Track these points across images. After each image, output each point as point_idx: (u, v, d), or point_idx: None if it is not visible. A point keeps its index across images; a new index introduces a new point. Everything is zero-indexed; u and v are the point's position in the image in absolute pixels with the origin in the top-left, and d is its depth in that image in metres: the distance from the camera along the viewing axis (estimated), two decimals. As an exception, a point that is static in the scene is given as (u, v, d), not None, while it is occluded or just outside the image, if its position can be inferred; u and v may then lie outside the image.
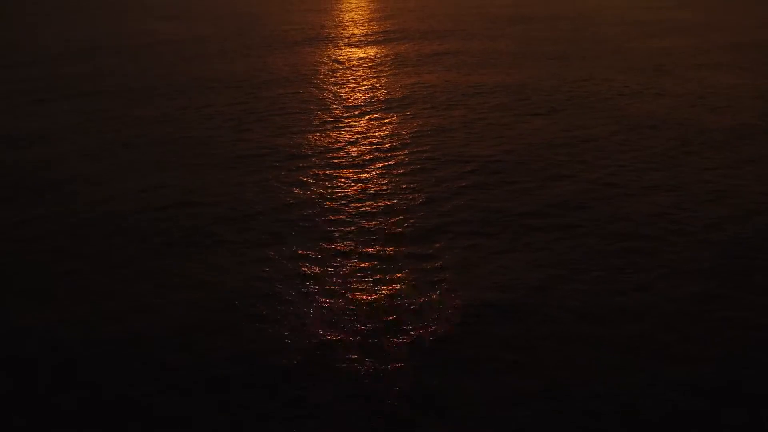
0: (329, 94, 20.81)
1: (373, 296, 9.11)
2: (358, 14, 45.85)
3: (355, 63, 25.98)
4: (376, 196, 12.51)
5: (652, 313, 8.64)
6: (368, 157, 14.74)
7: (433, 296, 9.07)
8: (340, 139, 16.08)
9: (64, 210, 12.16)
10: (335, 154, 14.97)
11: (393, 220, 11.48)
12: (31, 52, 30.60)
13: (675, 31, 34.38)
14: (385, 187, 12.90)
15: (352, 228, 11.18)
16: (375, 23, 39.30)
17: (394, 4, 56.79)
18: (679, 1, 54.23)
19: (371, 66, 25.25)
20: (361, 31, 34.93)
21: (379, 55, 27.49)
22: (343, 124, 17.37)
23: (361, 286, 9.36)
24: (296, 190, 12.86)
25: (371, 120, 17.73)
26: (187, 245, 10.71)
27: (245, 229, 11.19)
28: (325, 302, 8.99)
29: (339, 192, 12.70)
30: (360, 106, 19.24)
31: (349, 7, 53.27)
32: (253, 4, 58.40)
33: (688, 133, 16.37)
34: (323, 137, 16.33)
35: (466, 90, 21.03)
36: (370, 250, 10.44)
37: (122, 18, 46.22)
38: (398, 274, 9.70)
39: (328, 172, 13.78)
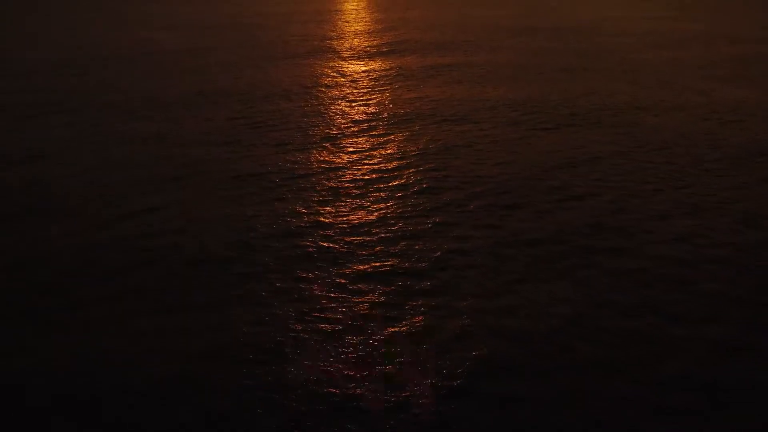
0: (331, 109, 20.30)
1: (386, 332, 8.57)
2: (360, 25, 45.38)
3: (357, 76, 25.50)
4: (382, 220, 11.94)
5: (693, 351, 8.08)
6: (372, 177, 14.18)
7: (448, 335, 8.52)
8: (342, 158, 15.53)
9: (51, 234, 11.58)
10: (338, 174, 14.40)
11: (401, 246, 10.91)
12: (24, 62, 30.12)
13: (679, 42, 33.94)
14: (391, 211, 12.31)
15: (359, 256, 10.61)
16: (377, 35, 38.84)
17: (395, 15, 56.33)
18: (680, 11, 53.92)
19: (374, 79, 24.78)
20: (364, 43, 34.46)
21: (382, 68, 27.01)
22: (346, 141, 16.83)
23: (371, 322, 8.81)
24: (298, 214, 12.28)
25: (375, 136, 17.19)
26: (189, 273, 10.15)
27: (248, 257, 10.62)
28: (333, 338, 8.44)
29: (343, 217, 12.12)
30: (363, 121, 18.73)
31: (349, 18, 52.82)
32: (254, 14, 57.93)
33: (701, 150, 15.88)
34: (325, 155, 15.78)
35: (472, 104, 20.54)
36: (379, 281, 9.89)
37: (121, 28, 45.74)
38: (410, 309, 9.15)
39: (330, 194, 13.18)
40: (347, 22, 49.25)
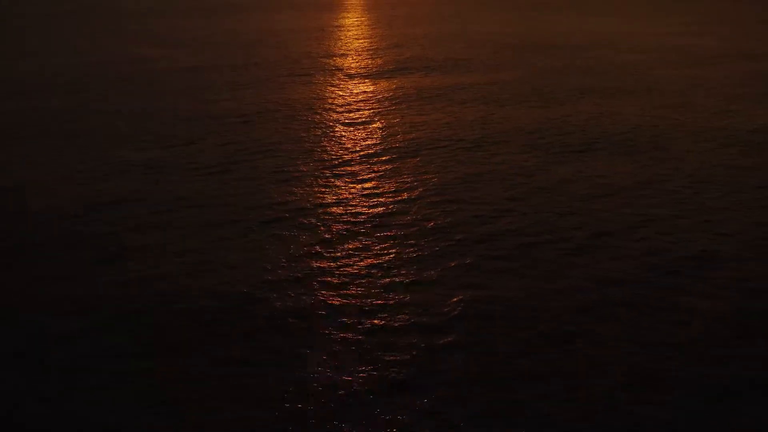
0: (333, 134, 19.05)
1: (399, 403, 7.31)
2: (363, 42, 44.19)
3: (361, 97, 24.26)
4: (390, 265, 10.64)
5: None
6: (378, 211, 12.89)
7: (475, 405, 7.27)
8: (344, 189, 14.25)
9: (40, 283, 10.32)
10: (339, 209, 13.08)
11: (413, 297, 9.60)
12: (8, 81, 28.98)
13: (695, 59, 32.72)
14: (399, 254, 10.98)
15: (364, 310, 9.31)
16: (381, 52, 37.63)
17: (398, 31, 55.22)
18: (690, 26, 52.86)
19: (379, 100, 23.53)
20: (367, 62, 33.18)
21: (387, 89, 25.75)
22: (349, 171, 15.56)
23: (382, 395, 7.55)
24: (293, 259, 10.95)
25: (380, 165, 15.90)
26: (182, 337, 8.88)
27: (234, 314, 9.33)
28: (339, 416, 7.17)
29: (345, 260, 10.80)
30: (367, 147, 17.45)
31: (351, 34, 51.66)
32: (254, 31, 56.84)
33: (740, 182, 14.64)
34: (325, 186, 14.47)
35: (484, 129, 19.26)
36: (391, 337, 8.61)
37: (119, 44, 44.65)
38: (428, 378, 7.88)
39: (330, 233, 11.84)
40: (349, 38, 48.13)
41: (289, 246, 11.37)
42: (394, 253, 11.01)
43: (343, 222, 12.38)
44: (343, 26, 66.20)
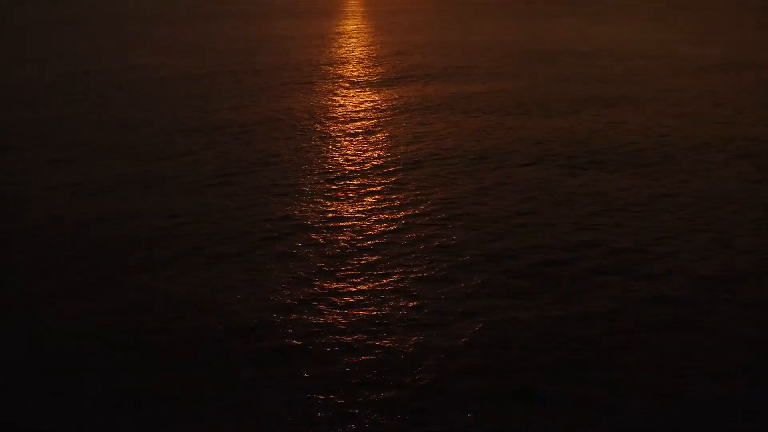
0: (334, 146, 18.59)
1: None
2: (364, 50, 43.79)
3: (363, 107, 23.82)
4: (390, 296, 10.12)
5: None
6: (381, 229, 12.40)
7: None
8: (342, 208, 13.72)
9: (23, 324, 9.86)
10: (336, 230, 12.51)
11: (419, 339, 9.05)
12: (5, 89, 28.53)
13: (700, 68, 32.33)
14: (409, 283, 10.39)
15: (375, 348, 8.80)
16: (383, 60, 37.22)
17: (399, 38, 54.80)
18: (684, 34, 52.56)
19: (381, 110, 23.10)
20: (369, 70, 32.77)
21: (390, 98, 25.33)
22: (348, 186, 15.07)
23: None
24: (287, 287, 10.40)
25: (382, 179, 15.43)
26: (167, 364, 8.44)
27: (245, 341, 8.87)
28: None
29: (352, 289, 10.30)
30: (369, 161, 16.98)
31: (351, 41, 51.27)
32: (252, 38, 56.43)
33: (754, 196, 14.22)
34: (323, 204, 13.92)
35: (491, 141, 18.77)
36: (394, 404, 8.13)
37: (115, 50, 44.22)
38: None
39: (326, 259, 11.15)
40: (350, 46, 47.74)
41: (292, 265, 10.92)
42: (401, 273, 10.56)
43: (347, 240, 11.91)
44: (343, 33, 65.76)
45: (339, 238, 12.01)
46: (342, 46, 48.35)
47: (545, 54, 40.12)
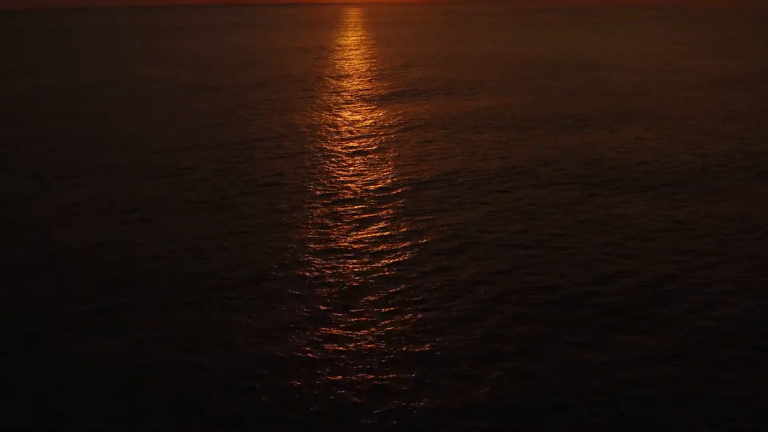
0: (339, 165, 17.73)
1: None
2: (368, 63, 42.90)
3: (369, 123, 22.92)
4: (403, 338, 9.22)
5: None
6: (391, 267, 11.35)
7: None
8: (350, 236, 12.75)
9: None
10: (343, 262, 11.57)
11: (438, 390, 8.09)
12: (9, 100, 27.76)
13: (711, 81, 31.55)
14: (418, 330, 9.31)
15: (387, 405, 7.89)
16: (389, 73, 36.41)
17: (402, 50, 54.06)
18: (690, 47, 51.92)
19: (389, 127, 22.22)
20: (376, 84, 31.90)
21: (397, 114, 24.48)
22: (354, 210, 14.15)
23: None
24: (298, 332, 9.45)
25: (392, 204, 14.40)
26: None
27: (237, 395, 8.00)
28: None
29: (355, 333, 9.33)
30: (375, 183, 16.11)
31: (351, 54, 50.57)
32: (253, 50, 55.80)
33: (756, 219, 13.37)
34: (328, 232, 12.90)
35: (509, 158, 17.86)
36: None
37: (115, 62, 43.48)
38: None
39: (336, 298, 10.21)
40: (352, 58, 47.03)
41: (291, 305, 9.96)
42: (408, 316, 9.52)
43: (349, 276, 10.83)
44: (345, 45, 65.02)
45: (340, 273, 10.98)
46: (343, 59, 47.52)
47: (551, 66, 39.31)
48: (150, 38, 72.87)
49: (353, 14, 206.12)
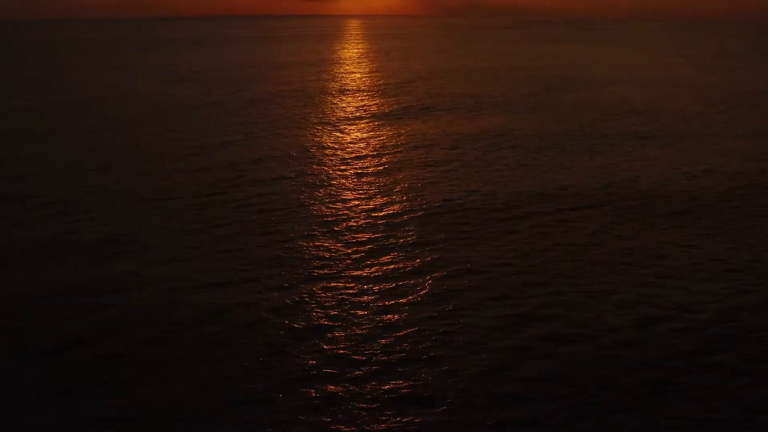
0: (341, 192, 16.49)
1: None
2: (371, 78, 41.49)
3: (374, 143, 21.61)
4: (408, 405, 7.98)
5: None
6: (394, 325, 9.92)
7: None
8: (349, 276, 11.50)
9: None
10: (344, 313, 10.32)
11: None
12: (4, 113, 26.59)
13: (732, 98, 30.32)
14: (425, 396, 8.13)
15: None
16: (390, 89, 35.22)
17: (404, 64, 52.94)
18: (697, 60, 51.00)
19: (394, 147, 21.01)
20: (380, 101, 30.49)
21: (402, 133, 23.29)
22: (355, 242, 12.98)
23: None
24: (296, 394, 8.35)
25: (392, 244, 13.00)
26: None
27: None
28: None
29: (359, 393, 8.17)
30: (380, 211, 14.89)
31: (350, 68, 49.36)
32: (251, 64, 54.67)
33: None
34: (327, 274, 11.64)
35: (527, 183, 16.59)
36: None
37: (114, 77, 42.28)
38: None
39: (335, 352, 9.00)
40: (353, 73, 45.86)
41: (282, 361, 8.74)
42: (411, 381, 8.28)
43: (360, 323, 9.63)
44: (346, 59, 63.81)
45: (339, 324, 9.74)
46: (345, 73, 46.09)
47: (559, 81, 38.06)
48: (146, 51, 72.03)
49: (353, 26, 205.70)
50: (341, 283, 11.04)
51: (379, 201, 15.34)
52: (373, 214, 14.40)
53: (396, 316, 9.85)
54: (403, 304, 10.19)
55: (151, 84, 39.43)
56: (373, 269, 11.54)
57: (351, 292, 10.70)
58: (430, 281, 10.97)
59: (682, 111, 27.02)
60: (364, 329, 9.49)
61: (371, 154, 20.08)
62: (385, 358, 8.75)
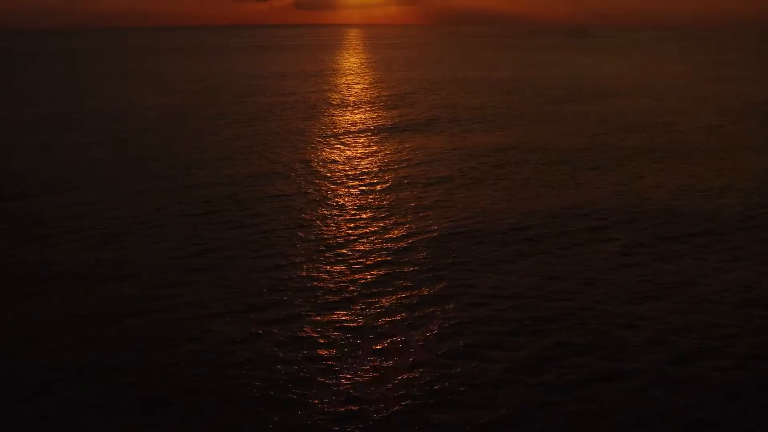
0: (341, 216, 15.73)
1: None
2: (373, 90, 40.69)
3: (378, 162, 20.82)
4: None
5: None
6: (393, 380, 9.24)
7: None
8: (349, 311, 10.67)
9: None
10: (342, 353, 9.67)
11: None
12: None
13: (746, 109, 29.60)
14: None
15: None
16: (391, 101, 34.56)
17: (406, 75, 52.36)
18: (699, 69, 50.34)
19: (398, 164, 20.30)
20: (384, 114, 29.66)
21: (402, 150, 22.52)
22: (355, 266, 12.25)
23: None
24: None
25: (404, 274, 12.20)
26: None
27: None
28: None
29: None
30: (375, 235, 14.09)
31: (355, 80, 48.66)
32: (251, 74, 54.08)
33: None
34: (324, 319, 10.51)
35: (534, 208, 15.77)
36: None
37: (110, 88, 41.62)
38: None
39: (330, 407, 8.12)
40: (355, 84, 45.15)
41: (285, 403, 8.03)
42: (426, 425, 7.56)
43: (355, 365, 8.84)
44: (344, 69, 63.12)
45: (351, 362, 9.10)
46: (347, 85, 45.18)
47: (566, 92, 37.16)
48: (146, 61, 71.42)
49: (353, 35, 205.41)
50: (346, 314, 10.28)
51: (384, 222, 14.56)
52: (378, 237, 13.61)
53: (407, 352, 9.10)
54: (415, 339, 9.44)
55: (148, 95, 38.73)
56: (381, 299, 10.78)
57: (357, 324, 9.95)
58: (440, 313, 10.22)
59: (694, 123, 26.31)
60: (373, 366, 8.74)
61: (374, 170, 19.32)
62: (397, 399, 8.00)
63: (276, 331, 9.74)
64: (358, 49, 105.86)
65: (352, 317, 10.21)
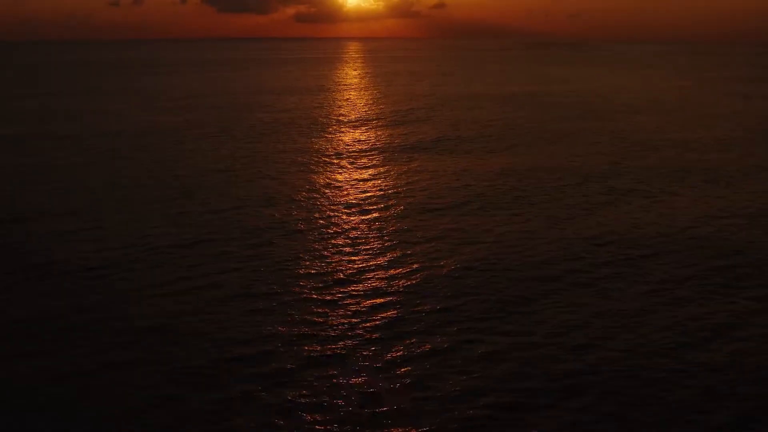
0: (336, 250, 14.27)
1: None
2: (376, 107, 39.34)
3: (382, 187, 19.35)
4: None
5: None
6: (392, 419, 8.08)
7: None
8: (348, 348, 9.58)
9: None
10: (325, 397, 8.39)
11: None
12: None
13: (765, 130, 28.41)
14: None
15: None
16: (394, 118, 33.29)
17: (410, 90, 51.13)
18: (702, 83, 49.35)
19: (403, 189, 18.92)
20: (390, 133, 28.26)
21: (406, 173, 21.15)
22: (353, 300, 11.20)
23: None
24: None
25: (400, 321, 10.79)
26: None
27: None
28: None
29: None
30: (376, 271, 12.74)
31: (356, 96, 47.34)
32: (248, 90, 52.86)
33: None
34: (318, 381, 9.18)
35: (543, 246, 14.16)
36: None
37: (99, 102, 40.35)
38: None
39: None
40: (356, 100, 43.90)
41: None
42: None
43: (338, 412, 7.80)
44: (346, 84, 61.89)
45: (328, 412, 7.81)
46: (348, 101, 43.66)
47: (579, 108, 35.61)
48: (140, 75, 70.37)
49: (353, 48, 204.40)
50: (356, 369, 8.95)
51: (391, 256, 13.26)
52: (387, 276, 12.29)
53: (431, 411, 7.80)
54: (438, 398, 8.13)
55: (142, 112, 37.42)
56: (396, 351, 9.54)
57: (370, 379, 8.65)
58: (460, 362, 8.96)
59: (718, 141, 25.05)
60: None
61: (380, 194, 17.99)
62: None
63: (270, 382, 8.43)
64: (358, 62, 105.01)
65: (362, 373, 8.88)
